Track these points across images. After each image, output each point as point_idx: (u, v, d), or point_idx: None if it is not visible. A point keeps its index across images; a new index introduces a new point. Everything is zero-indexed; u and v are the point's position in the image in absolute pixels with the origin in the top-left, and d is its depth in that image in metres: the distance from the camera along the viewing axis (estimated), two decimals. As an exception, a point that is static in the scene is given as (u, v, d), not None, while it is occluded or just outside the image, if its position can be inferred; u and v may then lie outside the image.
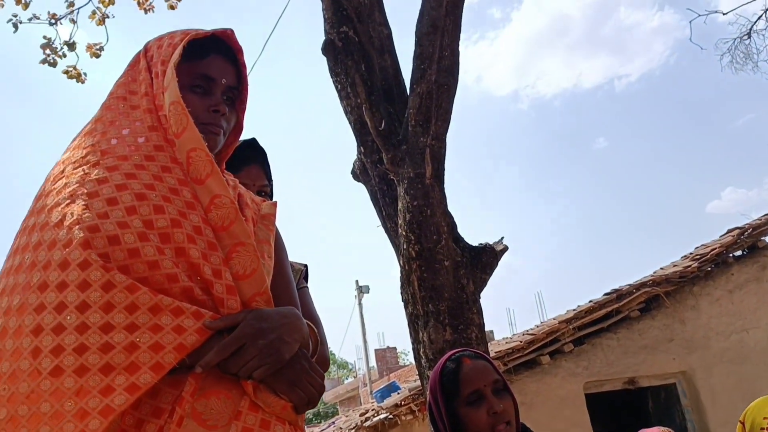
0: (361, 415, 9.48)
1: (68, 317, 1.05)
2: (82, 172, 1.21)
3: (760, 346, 7.18)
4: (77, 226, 1.10)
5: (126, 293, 1.07)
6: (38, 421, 1.01)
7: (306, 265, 1.98)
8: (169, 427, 1.06)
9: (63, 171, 1.23)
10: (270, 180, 1.88)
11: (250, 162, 1.82)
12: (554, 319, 7.37)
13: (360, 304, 20.83)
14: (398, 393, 7.91)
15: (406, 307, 4.46)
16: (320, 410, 32.58)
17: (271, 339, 1.15)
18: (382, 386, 12.64)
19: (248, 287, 1.22)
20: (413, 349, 4.46)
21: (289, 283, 1.43)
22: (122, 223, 1.12)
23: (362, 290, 20.94)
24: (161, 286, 1.11)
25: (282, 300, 1.30)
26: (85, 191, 1.16)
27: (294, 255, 2.14)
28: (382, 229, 4.90)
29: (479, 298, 4.46)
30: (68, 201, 1.16)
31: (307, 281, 1.95)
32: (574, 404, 6.92)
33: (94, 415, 1.00)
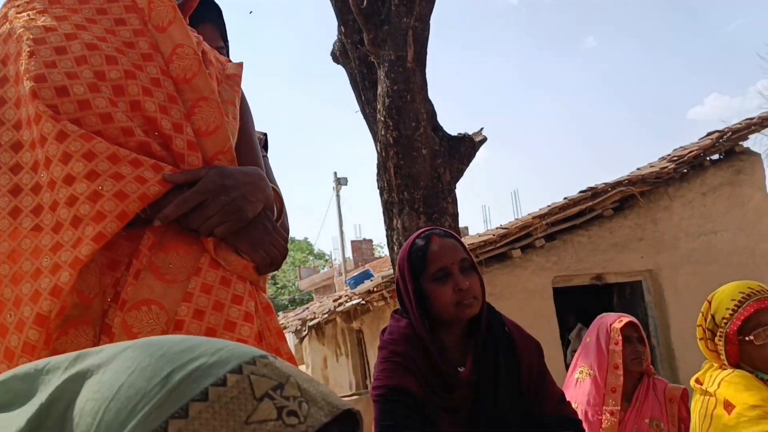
0: (335, 300, 9.72)
1: (24, 177, 1.03)
2: (27, 17, 1.12)
3: (727, 249, 7.37)
4: (25, 77, 1.05)
5: (81, 142, 1.02)
6: (20, 280, 1.01)
7: (266, 134, 1.91)
8: (125, 280, 1.04)
9: (6, 15, 1.15)
10: (226, 41, 1.74)
11: (205, 20, 1.62)
12: (529, 214, 7.45)
13: (338, 195, 20.91)
14: (371, 280, 8.07)
15: (381, 195, 4.45)
16: (296, 297, 33.47)
17: (234, 197, 1.11)
18: (356, 274, 12.91)
19: (211, 144, 1.17)
20: (387, 236, 4.49)
21: (255, 148, 1.38)
22: (71, 74, 1.06)
23: (340, 182, 20.97)
24: (116, 141, 1.06)
25: (246, 163, 1.26)
26: (31, 37, 1.09)
27: (274, 147, 2.07)
28: (362, 120, 4.82)
29: (455, 188, 4.46)
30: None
31: (266, 151, 1.88)
32: (542, 297, 7.12)
33: (65, 268, 0.98)
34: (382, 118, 4.11)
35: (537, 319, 6.94)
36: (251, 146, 1.36)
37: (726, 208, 7.49)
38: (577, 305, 8.36)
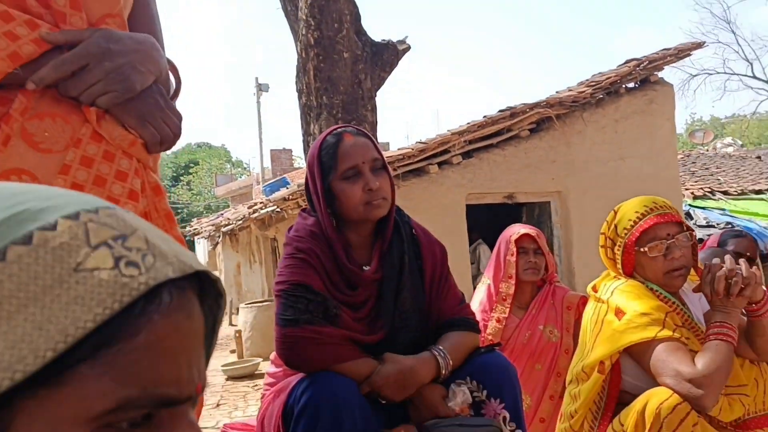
0: (250, 208, 9.59)
1: None
2: None
3: (633, 175, 7.65)
4: None
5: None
6: None
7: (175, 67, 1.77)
8: (-8, 146, 0.94)
9: None
10: None
11: None
12: (448, 131, 7.46)
13: (258, 102, 20.32)
14: (287, 188, 7.97)
15: (299, 98, 4.32)
16: (212, 204, 32.92)
17: (121, 63, 1.01)
18: (272, 181, 12.74)
19: (98, 5, 1.05)
20: (303, 141, 4.40)
21: (153, 19, 1.26)
22: None
23: (261, 88, 20.33)
24: (-19, -6, 0.93)
25: (141, 32, 1.14)
26: None
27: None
28: (285, 21, 4.59)
29: (375, 96, 4.38)
30: None
31: (176, 96, 1.76)
32: (455, 213, 7.24)
33: None
34: (304, 17, 3.93)
35: (449, 235, 7.06)
36: (148, 16, 1.24)
37: (637, 136, 7.74)
38: (487, 223, 8.58)
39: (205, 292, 0.53)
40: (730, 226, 9.26)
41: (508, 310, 3.00)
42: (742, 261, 1.93)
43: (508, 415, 1.73)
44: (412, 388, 1.68)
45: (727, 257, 1.95)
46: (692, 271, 2.14)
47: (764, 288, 1.94)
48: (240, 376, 7.64)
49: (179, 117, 1.14)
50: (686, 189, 10.91)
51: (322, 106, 4.03)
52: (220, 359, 8.62)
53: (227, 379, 7.39)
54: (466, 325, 1.85)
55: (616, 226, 2.09)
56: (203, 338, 0.54)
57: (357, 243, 1.82)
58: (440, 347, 1.74)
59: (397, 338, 1.78)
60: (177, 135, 1.12)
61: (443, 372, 1.72)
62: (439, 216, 7.15)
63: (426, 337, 1.86)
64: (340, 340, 1.65)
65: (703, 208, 10.29)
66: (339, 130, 1.85)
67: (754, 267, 2.10)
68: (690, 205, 10.33)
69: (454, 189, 7.29)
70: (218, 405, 6.38)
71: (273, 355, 1.90)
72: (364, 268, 1.79)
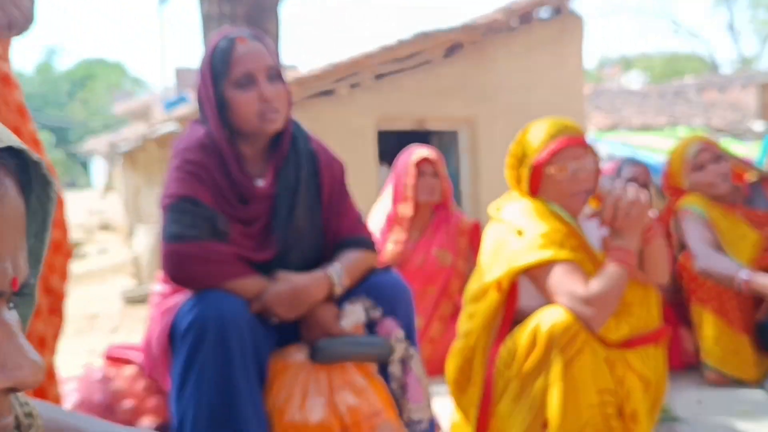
0: (148, 125, 9.15)
1: None
2: None
3: (541, 105, 7.74)
4: None
5: None
6: None
7: None
8: None
9: None
10: None
11: None
12: (359, 53, 7.27)
13: (160, 15, 19.14)
14: (188, 105, 7.61)
15: (201, 5, 4.05)
16: (110, 123, 31.32)
17: None
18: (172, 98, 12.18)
19: None
20: (201, 54, 4.14)
21: None
22: None
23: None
24: None
25: None
26: None
27: None
28: None
29: (279, 8, 4.18)
30: None
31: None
32: (365, 137, 7.16)
33: None
34: None
35: (359, 159, 7.00)
36: None
37: (547, 65, 7.82)
38: (397, 149, 8.55)
39: (30, 181, 0.47)
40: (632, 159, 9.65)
41: (405, 232, 2.99)
42: (630, 186, 1.96)
43: (402, 334, 1.72)
44: (304, 306, 1.62)
45: (629, 185, 1.97)
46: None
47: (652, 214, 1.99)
48: (139, 300, 7.43)
49: (31, 0, 0.99)
50: (592, 122, 11.25)
51: (224, 15, 3.79)
52: (119, 283, 8.35)
53: (126, 304, 7.18)
54: (364, 244, 1.80)
55: (525, 146, 2.07)
56: (22, 229, 0.46)
57: (251, 156, 1.72)
58: (335, 266, 1.69)
59: (291, 256, 1.71)
60: (29, 19, 0.98)
61: (337, 291, 1.67)
62: (349, 140, 7.05)
63: (322, 255, 1.80)
64: (228, 257, 1.57)
65: (607, 141, 10.66)
66: (233, 34, 1.71)
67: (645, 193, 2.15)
68: (595, 137, 10.67)
69: (364, 112, 7.18)
70: (116, 330, 6.20)
71: (161, 273, 1.80)
72: (257, 183, 1.70)
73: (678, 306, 3.01)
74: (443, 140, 8.09)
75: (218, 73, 1.65)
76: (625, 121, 11.61)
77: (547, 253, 1.86)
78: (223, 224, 1.59)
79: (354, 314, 1.66)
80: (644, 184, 3.32)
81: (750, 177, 3.07)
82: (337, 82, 6.95)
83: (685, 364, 2.94)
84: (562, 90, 7.93)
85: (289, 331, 1.67)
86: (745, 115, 13.46)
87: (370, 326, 1.71)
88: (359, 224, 1.86)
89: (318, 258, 1.79)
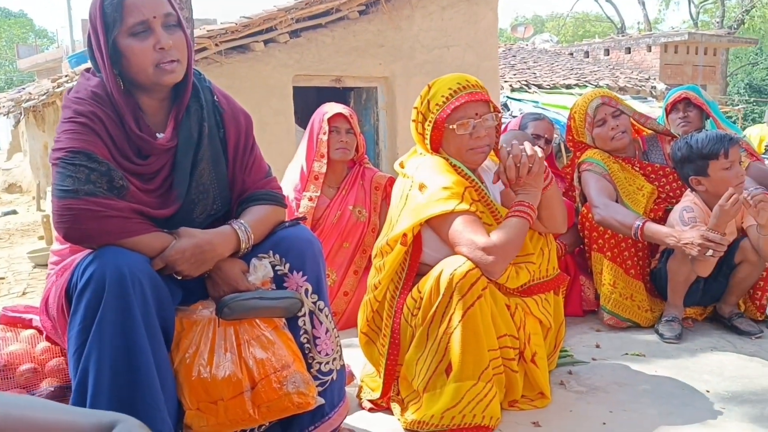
0: (54, 81, 8.68)
1: None
2: None
3: (456, 64, 7.82)
4: None
5: None
6: None
7: None
8: None
9: None
10: None
11: None
12: (274, 7, 7.09)
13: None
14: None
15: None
16: (14, 78, 29.49)
17: None
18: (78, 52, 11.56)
19: None
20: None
21: None
22: None
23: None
24: None
25: None
26: None
27: None
28: None
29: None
30: None
31: None
32: (282, 94, 7.03)
33: None
34: None
35: (275, 116, 6.89)
36: None
37: (461, 24, 7.86)
38: (315, 106, 8.46)
39: None
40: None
41: (319, 189, 2.99)
42: (526, 143, 2.02)
43: (310, 288, 1.72)
44: (209, 263, 1.60)
45: (526, 143, 2.03)
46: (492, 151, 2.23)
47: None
48: (48, 263, 7.13)
49: None
50: (505, 81, 11.44)
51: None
52: (28, 245, 7.98)
53: (34, 267, 6.88)
54: (271, 198, 1.79)
55: (429, 102, 2.09)
56: None
57: (150, 108, 1.66)
58: (241, 221, 1.67)
59: (195, 212, 1.68)
60: None
61: (243, 246, 1.66)
62: (265, 97, 6.92)
63: (228, 211, 1.78)
64: (127, 212, 1.52)
65: (519, 99, 10.88)
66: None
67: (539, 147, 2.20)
68: (508, 96, 10.87)
69: (281, 69, 7.04)
70: (24, 293, 5.94)
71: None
72: (157, 136, 1.64)
73: (580, 255, 3.16)
74: (361, 97, 8.06)
75: (110, 20, 1.56)
76: (537, 80, 11.85)
77: (448, 206, 1.91)
78: (120, 179, 1.53)
79: (261, 269, 1.66)
80: (548, 139, 3.42)
81: (647, 131, 3.22)
82: (251, 37, 6.77)
83: (586, 310, 3.10)
84: (477, 48, 8.01)
85: (195, 288, 1.65)
86: (650, 75, 14.01)
87: (279, 281, 1.71)
88: (267, 178, 1.84)
89: (225, 213, 1.77)
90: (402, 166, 2.18)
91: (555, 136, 9.90)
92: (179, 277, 1.60)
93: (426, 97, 2.10)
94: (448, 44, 7.87)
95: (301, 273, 1.70)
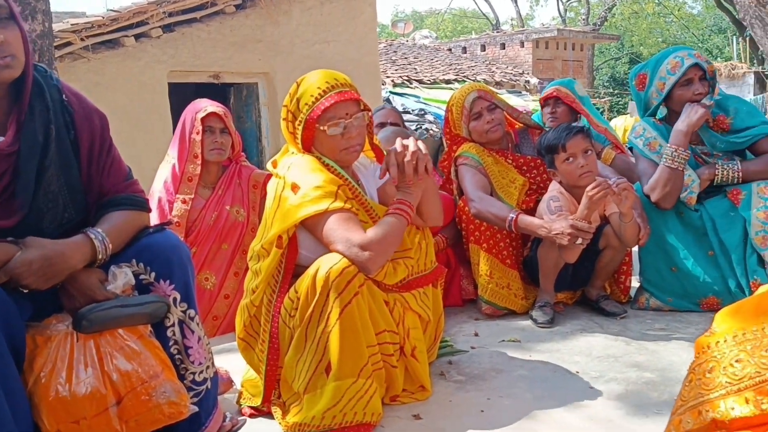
0: None
1: None
2: None
3: (337, 59, 7.81)
4: None
5: None
6: None
7: None
8: None
9: None
10: None
11: None
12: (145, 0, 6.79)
13: None
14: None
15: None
16: None
17: None
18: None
19: None
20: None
21: None
22: None
23: None
24: None
25: None
26: None
27: None
28: None
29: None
30: None
31: None
32: (156, 91, 6.75)
33: None
34: None
35: (150, 114, 6.61)
36: None
37: (340, 20, 7.86)
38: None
39: None
40: (423, 112, 10.10)
41: (194, 190, 2.88)
42: (411, 140, 2.03)
43: (178, 296, 1.65)
44: (60, 275, 1.49)
45: (410, 139, 2.04)
46: (367, 146, 2.22)
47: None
48: None
49: None
50: (387, 76, 11.56)
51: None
52: None
53: None
54: (133, 203, 1.69)
55: (298, 101, 2.06)
56: None
57: (-14, 109, 1.52)
58: (98, 229, 1.57)
59: (44, 221, 1.56)
60: None
61: (100, 257, 1.55)
62: (137, 94, 6.62)
63: (85, 218, 1.66)
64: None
65: (401, 94, 11.04)
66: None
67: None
68: (390, 92, 11.00)
69: (154, 65, 6.76)
70: None
71: None
72: (-3, 140, 1.51)
73: (459, 247, 3.23)
74: (242, 94, 7.89)
75: None
76: (418, 75, 12.07)
77: (321, 206, 1.88)
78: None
79: (121, 277, 1.56)
80: (395, 124, 3.48)
81: (518, 125, 3.33)
82: (121, 31, 6.45)
83: (465, 300, 3.18)
84: (357, 44, 8.05)
85: (47, 301, 1.53)
86: (524, 70, 14.63)
87: (144, 291, 1.62)
88: (127, 181, 1.74)
89: (81, 221, 1.66)
90: (274, 165, 2.13)
91: (436, 130, 10.14)
92: (25, 291, 1.47)
93: (295, 95, 2.06)
94: (328, 39, 7.85)
95: (168, 281, 1.63)
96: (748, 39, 16.19)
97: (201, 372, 1.70)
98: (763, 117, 2.97)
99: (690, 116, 2.78)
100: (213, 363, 1.76)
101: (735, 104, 2.94)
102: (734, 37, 19.01)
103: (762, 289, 1.38)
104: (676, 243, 2.88)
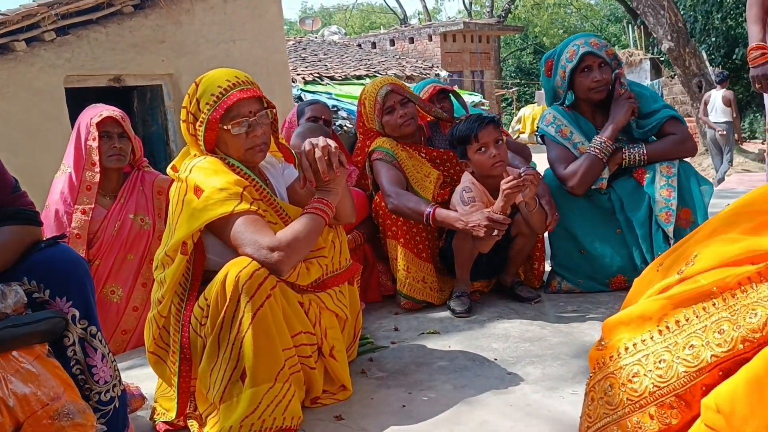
0: None
1: None
2: None
3: (244, 58, 7.66)
4: None
5: None
6: None
7: None
8: None
9: None
10: None
11: None
12: (34, 2, 6.43)
13: None
14: None
15: None
16: None
17: None
18: None
19: None
20: None
21: None
22: None
23: None
24: None
25: None
26: None
27: None
28: None
29: None
30: None
31: None
32: (53, 97, 6.41)
33: None
34: None
35: (47, 121, 6.27)
36: None
37: (245, 18, 7.70)
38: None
39: None
40: (336, 108, 10.06)
41: (93, 200, 2.74)
42: (320, 138, 2.00)
43: (77, 313, 1.56)
44: None
45: (320, 138, 1.99)
46: (273, 146, 2.17)
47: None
48: None
49: None
50: (298, 74, 11.45)
51: None
52: None
53: None
54: (21, 217, 1.58)
55: (198, 101, 1.99)
56: None
57: None
58: (-21, 247, 1.46)
59: None
60: None
61: None
62: (32, 101, 6.27)
63: (-32, 236, 1.54)
64: None
65: (313, 92, 10.95)
66: None
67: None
68: (301, 89, 10.89)
69: (49, 70, 6.41)
70: None
71: None
72: None
73: (376, 243, 3.22)
74: (146, 97, 7.61)
75: None
76: (329, 72, 12.02)
77: (227, 208, 1.82)
78: None
79: (12, 295, 1.45)
80: (327, 120, 3.44)
81: (430, 118, 3.35)
82: (10, 35, 6.08)
83: (384, 296, 3.18)
84: (264, 42, 7.91)
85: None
86: (433, 63, 14.81)
87: (39, 309, 1.52)
88: (15, 194, 1.63)
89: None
90: (175, 169, 2.05)
91: (350, 126, 10.10)
92: None
93: (195, 95, 1.99)
94: (233, 38, 7.67)
95: (64, 298, 1.53)
96: (642, 26, 16.99)
97: (107, 391, 1.62)
98: (662, 101, 3.11)
99: (619, 113, 2.90)
100: (120, 380, 1.67)
101: (637, 90, 3.06)
102: (630, 25, 19.90)
103: (637, 286, 1.41)
104: (584, 226, 2.98)
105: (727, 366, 1.12)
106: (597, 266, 2.98)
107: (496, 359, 2.32)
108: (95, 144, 2.72)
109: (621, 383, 1.26)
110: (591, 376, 1.38)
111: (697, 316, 1.19)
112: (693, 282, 1.22)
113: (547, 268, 3.20)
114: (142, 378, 2.40)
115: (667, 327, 1.22)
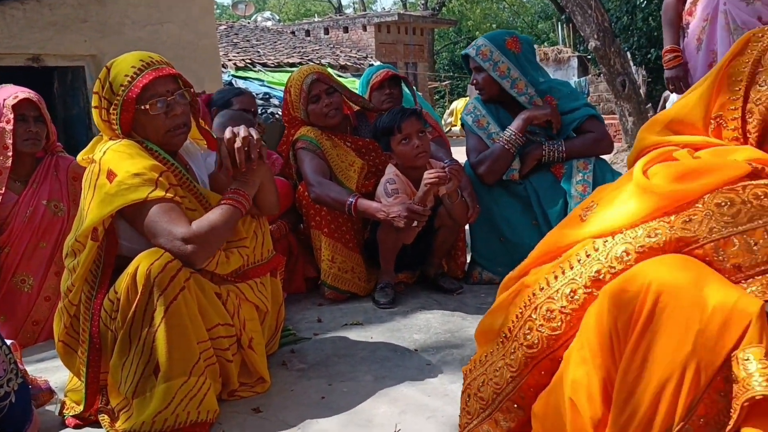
0: None
1: None
2: None
3: (172, 41, 7.45)
4: None
5: None
6: None
7: None
8: None
9: None
10: None
11: None
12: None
13: None
14: None
15: None
16: None
17: None
18: None
19: None
20: None
21: None
22: None
23: None
24: None
25: None
26: None
27: None
28: None
29: None
30: None
31: None
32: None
33: None
34: None
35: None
36: None
37: (173, 2, 7.49)
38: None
39: None
40: (268, 96, 9.91)
41: (4, 185, 2.62)
42: (242, 127, 1.96)
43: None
44: None
45: (241, 127, 1.95)
46: (196, 131, 2.12)
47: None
48: None
49: None
50: (229, 60, 11.22)
51: None
52: None
53: None
54: None
55: (111, 85, 1.91)
56: None
57: None
58: None
59: None
60: None
61: None
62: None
63: None
64: None
65: (244, 78, 10.75)
66: None
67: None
68: (233, 75, 10.68)
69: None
70: None
71: None
72: None
73: (300, 233, 3.20)
74: (67, 78, 7.31)
75: None
76: (262, 59, 11.84)
77: (140, 194, 1.77)
78: None
79: None
80: (254, 112, 3.39)
81: (356, 107, 3.34)
82: None
83: (308, 287, 3.16)
84: (194, 26, 7.70)
85: None
86: (367, 53, 14.79)
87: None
88: None
89: None
90: (85, 154, 1.97)
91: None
92: None
93: (107, 79, 1.91)
94: (161, 21, 7.44)
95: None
96: (570, 25, 17.44)
97: (1, 386, 1.55)
98: (583, 99, 3.20)
99: (535, 111, 2.99)
100: (17, 374, 1.60)
101: (558, 87, 3.14)
102: (559, 22, 20.40)
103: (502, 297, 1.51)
104: (503, 214, 3.05)
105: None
106: (516, 254, 3.01)
107: (416, 350, 2.35)
108: (9, 127, 2.59)
109: (473, 393, 1.44)
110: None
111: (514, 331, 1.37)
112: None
113: (470, 259, 3.25)
114: (52, 371, 2.32)
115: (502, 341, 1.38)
